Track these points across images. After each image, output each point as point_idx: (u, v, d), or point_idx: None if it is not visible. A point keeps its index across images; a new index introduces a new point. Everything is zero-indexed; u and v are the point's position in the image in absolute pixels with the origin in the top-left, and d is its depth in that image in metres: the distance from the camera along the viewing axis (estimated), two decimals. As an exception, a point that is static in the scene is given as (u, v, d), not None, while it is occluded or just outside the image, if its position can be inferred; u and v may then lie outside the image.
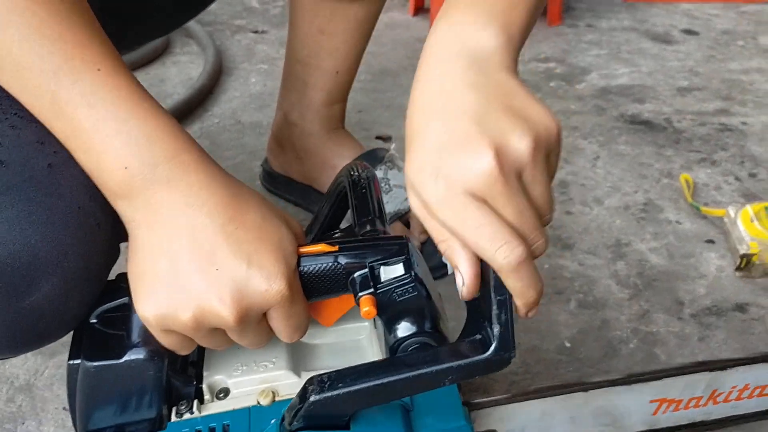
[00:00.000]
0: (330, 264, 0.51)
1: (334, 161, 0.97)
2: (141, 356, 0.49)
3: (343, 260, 0.51)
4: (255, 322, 0.47)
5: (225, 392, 0.55)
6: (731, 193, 1.10)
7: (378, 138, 1.24)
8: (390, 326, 0.51)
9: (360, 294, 0.50)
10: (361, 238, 0.55)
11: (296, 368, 0.56)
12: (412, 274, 0.50)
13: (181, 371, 0.55)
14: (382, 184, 0.94)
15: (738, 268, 0.91)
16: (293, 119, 0.97)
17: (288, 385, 0.55)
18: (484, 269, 0.45)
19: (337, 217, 0.69)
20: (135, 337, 0.50)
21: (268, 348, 0.55)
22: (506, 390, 0.71)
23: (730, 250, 0.95)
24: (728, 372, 0.64)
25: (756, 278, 0.91)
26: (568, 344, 0.81)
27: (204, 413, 0.53)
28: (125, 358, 0.49)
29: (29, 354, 0.78)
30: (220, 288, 0.44)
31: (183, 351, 0.49)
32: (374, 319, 0.59)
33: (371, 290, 0.50)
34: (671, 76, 1.51)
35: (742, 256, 0.90)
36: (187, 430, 0.52)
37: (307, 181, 1.02)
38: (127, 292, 0.49)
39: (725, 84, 1.47)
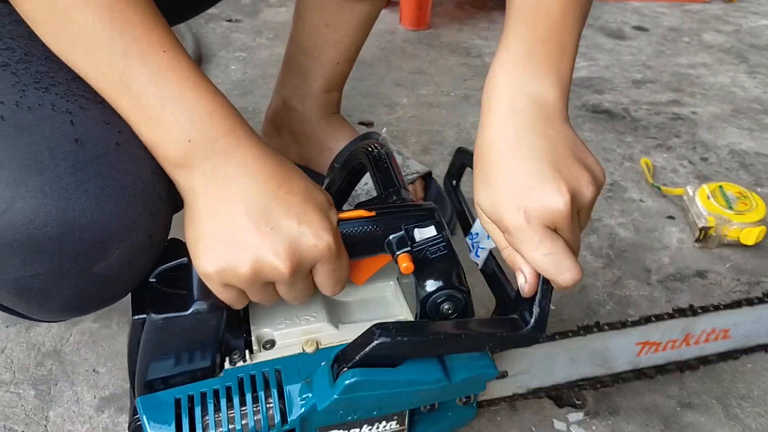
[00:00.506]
0: (369, 227, 0.57)
1: (330, 144, 1.03)
2: (204, 308, 0.55)
3: (381, 224, 0.57)
4: (304, 276, 0.53)
5: (271, 343, 0.61)
6: (686, 175, 1.21)
7: (361, 123, 1.31)
8: (423, 281, 0.58)
9: (398, 252, 0.57)
10: (393, 204, 0.62)
11: (334, 321, 0.62)
12: (444, 235, 0.58)
13: (233, 326, 0.60)
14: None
15: (697, 240, 1.02)
16: (293, 104, 1.03)
17: (328, 335, 0.61)
18: None
19: (348, 189, 0.76)
20: (196, 293, 0.54)
21: (307, 304, 0.62)
22: None
23: (689, 225, 1.06)
24: (699, 317, 0.73)
25: (713, 249, 1.02)
26: (553, 307, 0.89)
27: (254, 361, 0.59)
28: (191, 310, 0.54)
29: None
30: (275, 244, 0.50)
31: (237, 305, 0.55)
32: (397, 279, 0.67)
33: (408, 248, 0.57)
34: (626, 70, 1.62)
35: (701, 229, 1.01)
36: (242, 375, 0.57)
37: (304, 162, 1.07)
38: (185, 253, 0.54)
39: (675, 77, 1.59)
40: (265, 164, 0.51)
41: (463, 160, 0.71)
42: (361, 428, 0.60)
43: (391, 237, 0.57)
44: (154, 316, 0.55)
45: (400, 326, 0.55)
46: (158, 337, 0.55)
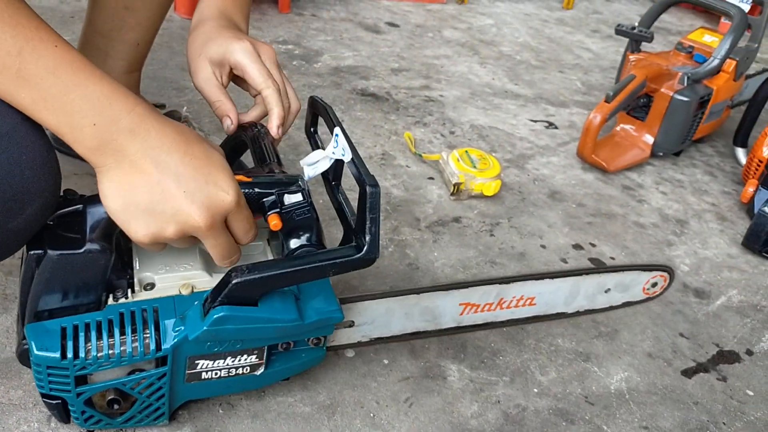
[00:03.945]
0: (247, 190, 0.65)
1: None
2: (96, 248, 0.62)
3: (256, 188, 0.66)
4: (221, 228, 0.62)
5: (152, 286, 0.69)
6: (440, 145, 1.47)
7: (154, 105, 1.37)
8: (288, 239, 0.69)
9: (269, 212, 0.66)
10: (267, 173, 0.70)
11: (208, 270, 0.71)
12: (309, 201, 0.69)
13: (118, 268, 0.68)
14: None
15: (452, 194, 1.27)
16: None
17: (203, 281, 0.70)
18: (360, 197, 0.63)
19: (230, 162, 0.84)
20: (88, 235, 0.62)
21: (185, 254, 0.72)
22: (351, 288, 0.94)
23: (445, 183, 1.31)
24: (511, 285, 0.84)
25: (463, 200, 1.28)
26: (347, 252, 1.07)
27: (135, 299, 0.67)
28: (83, 249, 0.62)
29: None
30: (190, 204, 0.58)
31: (160, 250, 0.65)
32: (268, 240, 0.77)
33: (278, 210, 0.67)
34: (385, 59, 1.87)
35: (454, 185, 1.26)
36: (123, 310, 0.66)
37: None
38: (80, 202, 0.62)
39: (424, 66, 1.88)
40: (168, 135, 0.58)
41: (314, 110, 0.80)
42: (225, 359, 0.70)
43: (264, 200, 0.66)
44: (50, 252, 0.61)
45: (252, 266, 0.64)
46: (52, 271, 0.62)
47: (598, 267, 0.99)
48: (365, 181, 0.63)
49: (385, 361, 0.89)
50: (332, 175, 0.77)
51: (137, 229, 0.59)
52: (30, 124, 0.56)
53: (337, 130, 0.68)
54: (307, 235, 0.69)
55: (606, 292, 0.92)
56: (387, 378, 0.87)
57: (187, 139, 0.60)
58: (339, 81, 1.68)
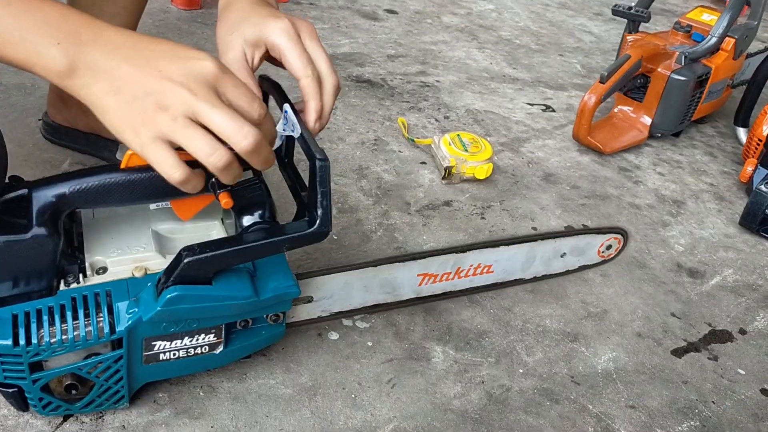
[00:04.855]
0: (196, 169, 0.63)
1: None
2: (42, 233, 0.62)
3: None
4: (214, 98, 0.56)
5: (104, 270, 0.69)
6: (434, 130, 1.46)
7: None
8: (240, 216, 0.69)
9: (219, 191, 0.65)
10: None
11: (162, 252, 0.71)
12: (260, 178, 0.69)
13: (68, 253, 0.68)
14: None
15: (443, 178, 1.26)
16: None
17: (156, 263, 0.70)
18: (311, 171, 0.62)
19: None
20: (35, 220, 0.62)
21: (138, 236, 0.71)
22: (316, 267, 0.94)
23: (437, 167, 1.31)
24: (467, 254, 0.86)
25: (455, 184, 1.27)
26: (335, 237, 1.07)
27: (87, 284, 0.67)
28: (30, 234, 0.62)
29: None
30: (170, 79, 0.55)
31: (175, 170, 0.56)
32: (222, 219, 0.76)
33: (229, 188, 0.65)
34: (381, 46, 1.86)
35: (445, 169, 1.25)
36: (75, 294, 0.65)
37: (93, 130, 1.13)
38: (24, 186, 0.62)
39: (421, 52, 1.86)
40: (130, 34, 0.58)
41: (264, 89, 0.78)
42: (182, 339, 0.70)
43: (213, 179, 0.63)
44: None
45: (204, 245, 0.64)
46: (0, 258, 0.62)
47: (553, 232, 0.99)
48: (315, 155, 0.62)
49: (369, 343, 0.89)
50: (284, 152, 0.77)
51: (129, 130, 0.55)
52: None
53: (286, 106, 0.67)
54: (259, 212, 0.69)
55: (562, 256, 0.94)
56: (370, 360, 0.87)
57: (151, 38, 0.59)
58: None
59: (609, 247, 0.97)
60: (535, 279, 0.98)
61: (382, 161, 1.31)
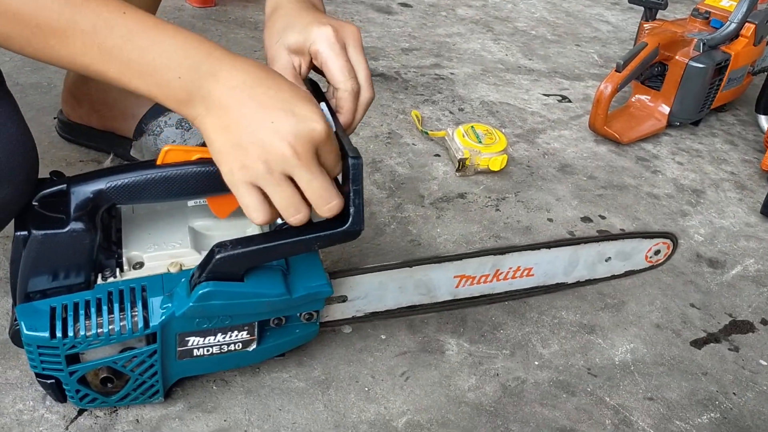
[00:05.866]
0: None
1: (133, 111, 1.10)
2: (80, 227, 0.63)
3: None
4: (314, 163, 0.59)
5: (140, 265, 0.69)
6: (448, 123, 1.45)
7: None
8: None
9: None
10: None
11: (198, 248, 0.71)
12: None
13: (106, 247, 0.69)
14: (183, 123, 1.10)
15: (457, 170, 1.25)
16: None
17: (192, 260, 0.70)
18: (344, 169, 0.63)
19: None
20: (73, 214, 0.62)
21: (174, 233, 0.72)
22: (351, 266, 0.93)
23: (450, 159, 1.30)
24: (507, 256, 0.83)
25: (469, 176, 1.26)
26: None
27: (124, 278, 0.67)
28: (68, 228, 0.62)
29: None
30: (278, 134, 0.57)
31: (261, 215, 0.60)
32: None
33: None
34: (395, 40, 1.85)
35: (459, 161, 1.24)
36: (111, 289, 0.66)
37: (108, 128, 1.14)
38: (64, 182, 0.63)
39: (436, 45, 1.85)
40: (249, 72, 0.58)
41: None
42: (215, 336, 0.70)
43: None
44: (35, 232, 0.62)
45: (236, 241, 0.64)
46: (38, 252, 0.63)
47: (597, 235, 0.96)
48: (348, 153, 0.62)
49: (383, 336, 0.88)
50: None
51: (228, 167, 0.58)
52: (4, 111, 0.57)
53: (322, 105, 0.67)
54: None
55: (606, 261, 0.90)
56: (384, 353, 0.86)
57: (270, 74, 0.60)
58: (348, 62, 1.66)
59: (657, 252, 0.93)
60: (578, 284, 0.93)
61: (396, 154, 1.30)
